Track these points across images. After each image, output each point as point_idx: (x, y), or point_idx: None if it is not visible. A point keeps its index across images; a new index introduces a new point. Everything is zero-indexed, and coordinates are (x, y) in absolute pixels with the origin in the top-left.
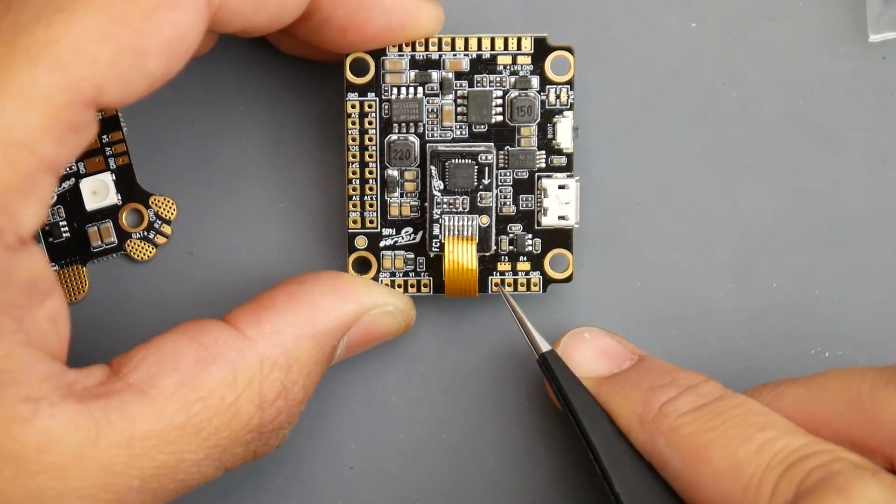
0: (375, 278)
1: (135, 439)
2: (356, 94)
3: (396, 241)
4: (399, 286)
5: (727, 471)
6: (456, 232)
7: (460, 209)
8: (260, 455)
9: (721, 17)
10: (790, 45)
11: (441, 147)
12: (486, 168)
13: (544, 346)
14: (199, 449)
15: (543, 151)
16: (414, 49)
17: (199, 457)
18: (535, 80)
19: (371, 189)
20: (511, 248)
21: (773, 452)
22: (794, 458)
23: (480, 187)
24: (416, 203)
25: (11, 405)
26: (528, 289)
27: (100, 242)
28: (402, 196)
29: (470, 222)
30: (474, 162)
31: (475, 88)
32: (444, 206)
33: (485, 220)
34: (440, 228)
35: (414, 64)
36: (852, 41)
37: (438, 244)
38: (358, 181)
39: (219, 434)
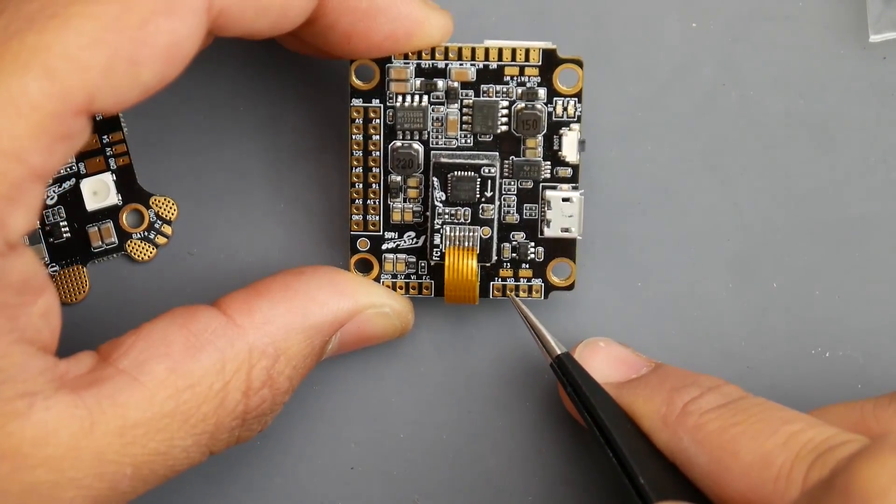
0: (377, 280)
1: (127, 428)
2: (360, 99)
3: (398, 245)
4: (400, 288)
5: (756, 463)
6: (457, 243)
7: (462, 220)
8: (243, 440)
9: (721, 17)
10: (790, 45)
11: (443, 159)
12: (489, 181)
13: (559, 349)
14: (188, 435)
15: (549, 162)
16: (420, 57)
17: (187, 443)
18: (542, 92)
19: (374, 193)
20: (513, 255)
21: (801, 443)
22: (823, 448)
23: (482, 200)
24: (420, 209)
25: (8, 401)
26: (530, 295)
27: (100, 243)
28: (404, 202)
29: (471, 233)
30: (477, 175)
31: (481, 99)
32: (446, 216)
33: (486, 231)
34: (441, 238)
35: (420, 72)
36: (852, 41)
37: (439, 254)
38: (361, 185)
39: (206, 421)
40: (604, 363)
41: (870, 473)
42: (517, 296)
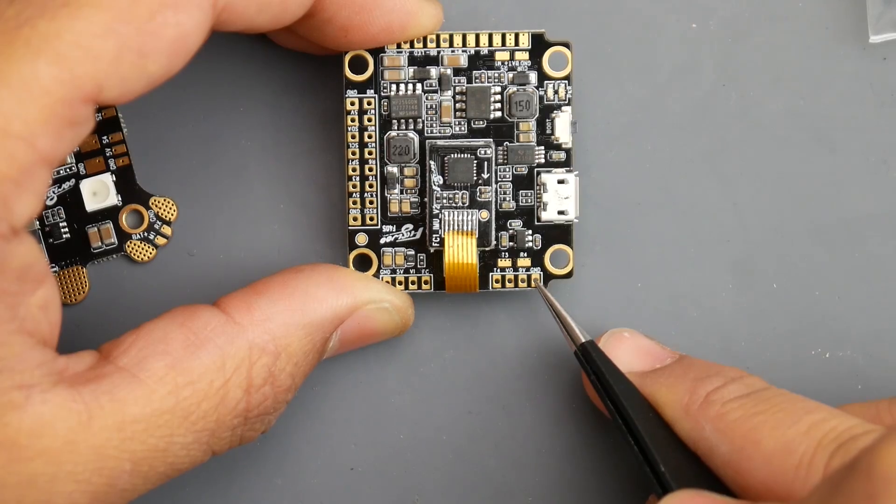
0: (376, 275)
1: (125, 423)
2: (355, 91)
3: (397, 238)
4: (400, 283)
5: (777, 451)
6: (456, 227)
7: (460, 204)
8: (246, 440)
9: (721, 17)
10: (790, 45)
11: (440, 142)
12: (485, 162)
13: (584, 337)
14: (188, 432)
15: (542, 147)
16: (412, 46)
17: (187, 440)
18: (533, 76)
19: (371, 186)
20: (511, 244)
21: (823, 432)
22: (846, 437)
23: (480, 182)
24: (416, 199)
25: (5, 392)
26: (529, 284)
27: (100, 243)
28: (401, 193)
29: (470, 217)
30: (473, 156)
31: (473, 84)
32: (444, 201)
33: (484, 214)
34: (440, 223)
35: (412, 61)
36: (852, 41)
37: (438, 239)
38: (358, 178)
39: (207, 418)
40: (628, 353)
41: (892, 456)
42: (516, 286)
